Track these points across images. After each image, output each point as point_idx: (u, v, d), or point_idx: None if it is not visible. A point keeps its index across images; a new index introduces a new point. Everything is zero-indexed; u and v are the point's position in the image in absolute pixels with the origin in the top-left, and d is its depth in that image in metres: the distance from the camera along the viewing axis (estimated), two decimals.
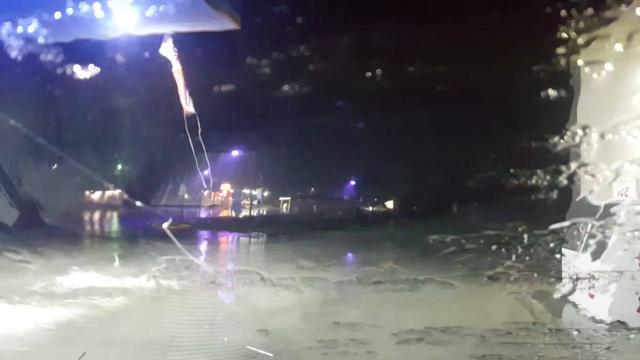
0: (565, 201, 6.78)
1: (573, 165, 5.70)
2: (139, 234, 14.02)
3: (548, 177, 6.39)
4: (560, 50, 7.32)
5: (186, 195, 23.12)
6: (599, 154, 5.50)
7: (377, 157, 19.77)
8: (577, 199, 6.54)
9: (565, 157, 5.99)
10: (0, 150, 12.68)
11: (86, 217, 20.87)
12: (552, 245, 6.93)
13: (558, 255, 7.05)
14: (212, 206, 26.73)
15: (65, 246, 11.54)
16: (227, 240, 17.68)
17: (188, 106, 9.01)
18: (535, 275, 7.01)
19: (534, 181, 6.80)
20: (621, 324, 5.52)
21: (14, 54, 7.47)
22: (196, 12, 7.38)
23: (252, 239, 17.32)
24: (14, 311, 6.35)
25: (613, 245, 5.94)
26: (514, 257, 7.02)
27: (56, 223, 14.73)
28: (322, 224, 19.54)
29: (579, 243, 6.66)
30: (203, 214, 25.80)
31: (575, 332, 5.63)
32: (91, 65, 9.00)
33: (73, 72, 8.88)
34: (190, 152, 9.30)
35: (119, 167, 21.70)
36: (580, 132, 5.65)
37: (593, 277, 6.18)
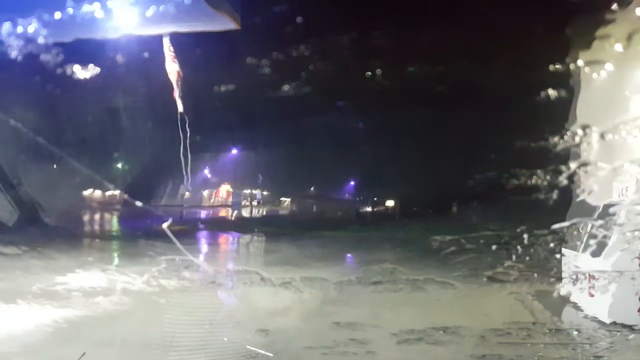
0: (565, 201, 6.78)
1: (573, 165, 5.70)
2: (139, 234, 14.01)
3: (548, 177, 6.40)
4: (561, 50, 7.33)
5: (186, 195, 23.09)
6: (599, 154, 5.51)
7: (377, 157, 19.76)
8: (577, 199, 6.54)
9: (565, 157, 6.00)
10: (0, 150, 12.69)
11: (86, 217, 20.86)
12: (552, 245, 6.94)
13: (558, 255, 7.05)
14: (212, 206, 26.73)
15: (65, 246, 11.53)
16: (227, 240, 17.68)
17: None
18: (535, 275, 7.02)
19: (534, 181, 6.81)
20: (621, 324, 5.53)
21: (14, 54, 7.47)
22: (196, 12, 7.38)
23: (252, 239, 17.32)
24: (14, 311, 6.35)
25: (613, 245, 5.94)
26: (514, 257, 7.04)
27: (56, 223, 14.73)
28: (322, 224, 19.54)
29: (579, 243, 6.67)
30: (203, 214, 25.80)
31: (575, 332, 5.63)
32: (91, 65, 9.00)
33: (73, 72, 8.88)
34: (191, 152, 9.29)
35: (119, 167, 21.70)
36: (580, 132, 5.66)
37: (593, 277, 6.18)
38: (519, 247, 7.04)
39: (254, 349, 4.88)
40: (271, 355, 4.79)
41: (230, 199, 26.86)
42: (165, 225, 7.23)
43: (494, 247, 7.55)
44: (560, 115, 7.73)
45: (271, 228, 18.40)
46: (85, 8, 6.87)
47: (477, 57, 11.42)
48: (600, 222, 5.98)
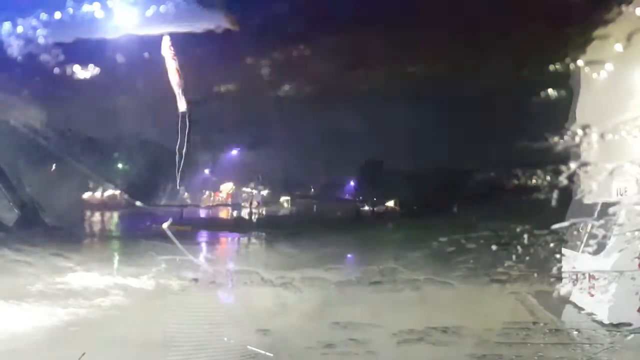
0: (565, 201, 6.78)
1: (573, 165, 5.70)
2: (139, 234, 14.02)
3: (548, 177, 6.39)
4: (560, 50, 7.33)
5: (186, 195, 23.08)
6: (599, 154, 5.51)
7: (377, 157, 19.76)
8: (577, 199, 6.54)
9: (565, 157, 5.99)
10: (0, 150, 12.68)
11: (86, 217, 20.86)
12: (552, 245, 6.93)
13: (558, 255, 7.05)
14: (212, 206, 26.71)
15: (65, 246, 11.53)
16: (227, 240, 17.68)
17: (181, 105, 9.00)
18: (535, 275, 7.02)
19: (534, 181, 6.80)
20: (621, 324, 5.53)
21: (14, 54, 7.47)
22: (195, 12, 7.39)
23: (252, 239, 17.32)
24: (14, 311, 6.34)
25: (613, 245, 5.95)
26: (514, 257, 7.03)
27: (56, 223, 14.72)
28: (322, 224, 19.54)
29: (579, 243, 6.66)
30: (203, 214, 25.78)
31: (575, 332, 5.63)
32: (91, 65, 9.00)
33: (73, 72, 8.88)
34: (192, 152, 9.29)
35: (119, 167, 21.68)
36: (580, 132, 5.65)
37: (593, 277, 6.18)
38: (519, 247, 7.03)
39: (254, 349, 4.88)
40: (271, 355, 4.79)
41: (230, 199, 26.85)
42: (165, 225, 7.24)
43: (494, 247, 7.54)
44: (560, 115, 7.72)
45: (271, 228, 18.40)
46: (85, 8, 6.87)
47: (478, 57, 11.42)
48: (600, 222, 5.97)
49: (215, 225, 21.80)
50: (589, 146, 5.53)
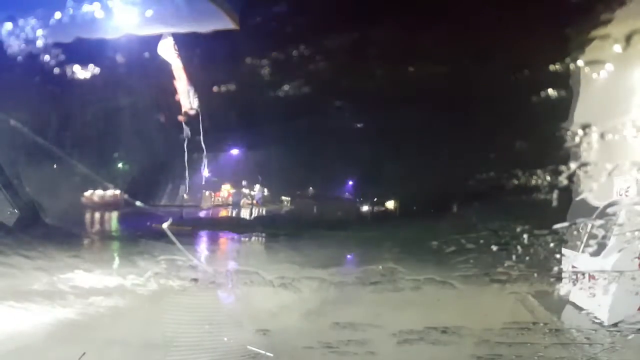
0: (565, 201, 6.78)
1: (573, 165, 5.70)
2: (139, 234, 14.01)
3: (548, 177, 6.39)
4: (561, 50, 7.33)
5: (186, 196, 23.08)
6: (599, 154, 5.51)
7: (377, 157, 19.74)
8: (577, 199, 6.54)
9: (565, 157, 6.00)
10: (0, 150, 12.68)
11: (86, 217, 20.84)
12: (552, 245, 6.94)
13: (558, 255, 7.05)
14: (212, 206, 26.71)
15: (65, 246, 11.53)
16: (227, 240, 17.67)
17: (191, 104, 9.01)
18: (535, 275, 7.02)
19: (534, 181, 6.80)
20: (621, 324, 5.52)
21: (14, 53, 7.47)
22: (195, 12, 7.38)
23: (252, 239, 17.32)
24: (14, 311, 6.34)
25: (613, 245, 5.95)
26: (514, 257, 7.03)
27: (56, 223, 14.72)
28: (322, 224, 19.53)
29: (579, 243, 6.67)
30: (203, 214, 25.78)
31: (575, 332, 5.63)
32: (91, 65, 9.00)
33: (73, 72, 8.88)
34: (191, 152, 9.30)
35: (119, 167, 21.66)
36: (580, 132, 5.66)
37: (593, 277, 6.18)
38: (519, 247, 7.04)
39: (254, 349, 4.88)
40: (271, 355, 4.79)
41: (230, 199, 26.85)
42: (165, 225, 7.24)
43: (494, 247, 7.54)
44: (560, 115, 7.72)
45: (271, 228, 18.40)
46: (85, 8, 6.87)
47: (477, 57, 11.41)
48: (600, 222, 5.98)
49: (215, 225, 21.81)
50: (589, 146, 5.54)
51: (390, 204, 23.90)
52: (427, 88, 13.44)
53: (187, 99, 9.05)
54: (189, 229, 16.48)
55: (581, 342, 5.34)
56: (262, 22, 10.24)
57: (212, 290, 7.64)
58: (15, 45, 7.34)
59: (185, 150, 9.22)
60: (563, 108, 7.86)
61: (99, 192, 22.05)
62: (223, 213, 26.34)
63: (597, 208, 6.25)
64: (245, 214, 25.80)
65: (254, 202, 26.76)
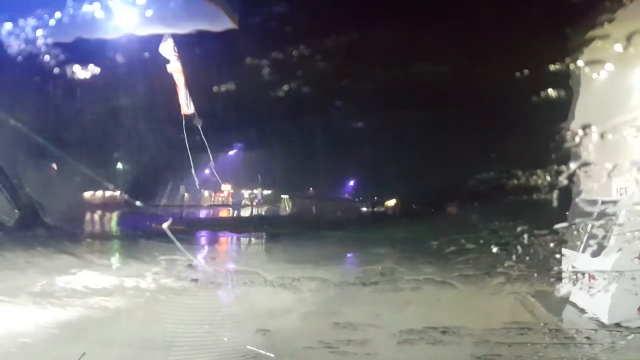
0: (565, 201, 6.78)
1: (573, 165, 5.70)
2: (139, 234, 14.02)
3: (548, 177, 6.40)
4: (560, 50, 7.33)
5: (186, 195, 23.10)
6: (599, 154, 5.51)
7: (377, 157, 19.75)
8: (577, 199, 6.54)
9: (565, 157, 5.99)
10: (0, 150, 12.67)
11: (86, 217, 20.85)
12: (552, 245, 6.94)
13: (558, 255, 7.05)
14: (212, 206, 26.73)
15: (65, 246, 11.53)
16: (227, 240, 17.68)
17: (188, 107, 9.02)
18: (535, 275, 7.02)
19: (534, 181, 6.81)
20: (621, 324, 5.52)
21: (14, 53, 7.47)
22: (195, 12, 7.38)
23: (252, 239, 17.32)
24: (14, 311, 6.34)
25: (613, 245, 5.94)
26: (514, 257, 7.03)
27: (56, 223, 14.72)
28: (322, 224, 19.53)
29: (579, 243, 6.67)
30: (203, 214, 25.80)
31: (575, 332, 5.62)
32: (91, 65, 9.01)
33: (73, 72, 8.88)
34: (192, 152, 9.30)
35: (119, 167, 21.67)
36: (580, 132, 5.66)
37: (593, 277, 6.18)
38: (519, 247, 7.04)
39: (254, 349, 4.88)
40: (272, 355, 4.79)
41: (230, 199, 26.87)
42: (165, 225, 7.24)
43: (494, 247, 7.54)
44: (560, 115, 7.72)
45: (271, 228, 18.40)
46: (85, 8, 6.87)
47: (477, 57, 11.42)
48: (600, 222, 5.98)
49: (215, 225, 21.81)
50: (589, 146, 5.53)
51: (390, 204, 23.91)
52: (427, 88, 13.45)
53: (187, 99, 9.05)
54: (189, 229, 16.47)
55: (581, 342, 5.33)
56: (262, 22, 10.24)
57: (212, 290, 7.64)
58: (15, 45, 7.34)
59: (186, 150, 9.21)
60: (563, 108, 7.86)
61: (99, 192, 22.07)
62: (223, 213, 26.37)
63: (596, 208, 6.24)
64: (245, 214, 25.81)
65: (254, 202, 26.77)
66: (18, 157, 13.97)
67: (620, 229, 5.82)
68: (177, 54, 8.64)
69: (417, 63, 12.08)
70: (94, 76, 9.27)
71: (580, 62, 7.06)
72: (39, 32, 7.16)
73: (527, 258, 6.95)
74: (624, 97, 6.71)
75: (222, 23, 7.61)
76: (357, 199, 24.99)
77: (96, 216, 21.74)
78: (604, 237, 5.98)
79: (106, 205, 22.24)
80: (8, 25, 7.10)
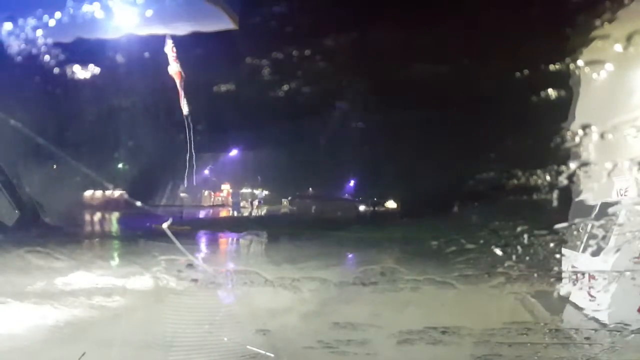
0: (565, 201, 6.78)
1: (573, 165, 5.70)
2: (139, 234, 14.01)
3: (548, 177, 6.39)
4: (560, 50, 7.32)
5: (186, 196, 23.12)
6: (599, 154, 5.51)
7: (377, 157, 19.76)
8: (577, 199, 6.54)
9: (565, 157, 5.99)
10: (0, 150, 12.67)
11: (86, 217, 20.86)
12: (552, 245, 6.93)
13: (558, 255, 7.05)
14: (212, 206, 26.74)
15: (66, 246, 11.52)
16: (227, 240, 17.68)
17: (183, 108, 9.05)
18: (535, 275, 7.01)
19: (534, 181, 6.80)
20: (621, 324, 5.52)
21: (14, 53, 7.47)
22: (195, 12, 7.38)
23: (252, 239, 17.31)
24: (14, 311, 6.34)
25: (613, 245, 5.94)
26: (514, 257, 7.03)
27: (56, 223, 14.72)
28: (322, 224, 19.54)
29: (579, 243, 6.67)
30: (203, 214, 25.80)
31: (575, 332, 5.62)
32: (91, 65, 9.01)
33: (73, 72, 8.88)
34: (192, 152, 9.31)
35: (119, 167, 21.68)
36: (580, 132, 5.65)
37: (593, 277, 6.18)
38: (519, 247, 7.04)
39: (254, 349, 4.88)
40: (271, 355, 4.80)
41: (230, 199, 26.87)
42: (165, 225, 7.24)
43: (493, 247, 7.54)
44: (560, 115, 7.72)
45: (271, 228, 18.40)
46: (85, 8, 6.87)
47: (478, 57, 11.41)
48: (600, 222, 5.98)
49: (215, 225, 21.81)
50: (589, 146, 5.53)
51: (390, 204, 23.92)
52: (427, 88, 13.45)
53: (187, 99, 9.06)
54: (189, 228, 16.47)
55: (581, 342, 5.33)
56: (262, 22, 10.23)
57: (212, 290, 7.63)
58: (15, 45, 7.34)
59: (186, 150, 9.23)
60: (563, 108, 7.86)
61: (99, 192, 22.07)
62: (223, 213, 26.37)
63: (596, 208, 6.24)
64: (245, 214, 25.81)
65: (254, 202, 26.77)
66: (18, 157, 13.97)
67: (620, 229, 5.82)
68: (175, 55, 8.65)
69: (417, 63, 12.08)
70: (94, 76, 9.27)
71: (580, 62, 7.05)
72: (39, 32, 7.16)
73: (527, 258, 6.95)
74: (624, 97, 6.70)
75: (222, 23, 7.61)
76: (357, 199, 24.98)
77: (96, 216, 21.74)
78: (604, 237, 5.98)
79: (106, 205, 22.24)
80: (8, 25, 7.10)
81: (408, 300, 7.00)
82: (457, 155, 16.79)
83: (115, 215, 21.71)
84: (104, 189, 20.94)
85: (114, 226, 21.20)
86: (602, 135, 5.44)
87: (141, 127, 16.13)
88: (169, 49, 8.55)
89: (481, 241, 8.11)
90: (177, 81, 8.90)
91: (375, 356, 4.92)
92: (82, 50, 8.40)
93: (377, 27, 11.57)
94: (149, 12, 7.20)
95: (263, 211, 26.49)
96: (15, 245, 10.35)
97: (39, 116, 13.26)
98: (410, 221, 18.93)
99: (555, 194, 6.14)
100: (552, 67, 7.32)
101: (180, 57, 8.84)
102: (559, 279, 6.98)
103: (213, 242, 16.83)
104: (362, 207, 24.80)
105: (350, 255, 12.78)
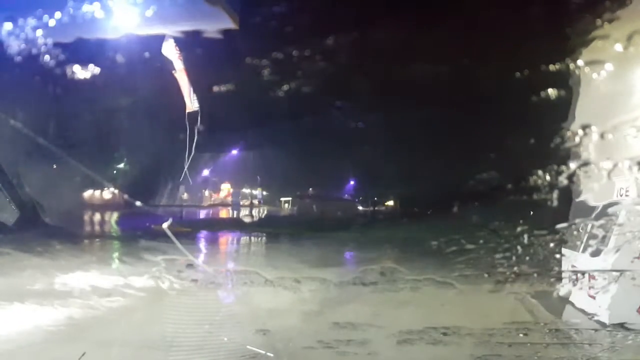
0: (565, 201, 6.78)
1: (573, 165, 5.70)
2: (139, 234, 14.01)
3: (548, 177, 6.39)
4: (560, 50, 7.32)
5: (186, 196, 23.11)
6: (599, 154, 5.51)
7: (377, 157, 19.75)
8: (577, 199, 6.54)
9: (565, 157, 5.99)
10: (0, 150, 12.68)
11: (86, 217, 20.86)
12: (552, 245, 6.93)
13: (558, 255, 7.05)
14: (212, 206, 26.73)
15: (65, 246, 11.53)
16: (227, 240, 17.67)
17: (192, 104, 9.03)
18: (535, 275, 7.02)
19: (534, 181, 6.80)
20: (621, 324, 5.52)
21: (14, 53, 7.47)
22: (195, 12, 7.39)
23: (252, 239, 17.32)
24: (14, 311, 6.35)
25: (613, 246, 5.94)
26: (514, 257, 7.03)
27: (56, 223, 14.72)
28: (322, 224, 19.54)
29: (579, 243, 6.66)
30: (203, 214, 25.79)
31: (575, 332, 5.62)
32: (91, 65, 9.01)
33: (73, 72, 8.89)
34: (192, 152, 9.31)
35: (119, 167, 21.69)
36: (580, 132, 5.66)
37: (593, 277, 6.18)
38: (519, 247, 7.04)
39: (254, 349, 4.88)
40: (271, 355, 4.80)
41: (230, 199, 26.85)
42: (165, 225, 7.24)
43: (494, 247, 7.54)
44: (560, 115, 7.72)
45: (271, 228, 18.41)
46: (85, 8, 6.88)
47: (477, 57, 11.42)
48: (600, 222, 5.98)
49: (215, 225, 21.79)
50: (589, 146, 5.54)
51: (390, 204, 23.93)
52: (427, 88, 13.45)
53: (187, 99, 9.06)
54: (189, 229, 16.47)
55: (581, 342, 5.33)
56: (262, 22, 10.24)
57: (212, 290, 7.63)
58: (15, 45, 7.35)
59: (186, 150, 9.22)
60: (563, 108, 7.85)
61: (99, 192, 22.08)
62: (223, 213, 26.36)
63: (596, 208, 6.24)
64: (245, 213, 25.80)
65: (254, 202, 26.76)
66: (18, 157, 13.97)
67: (620, 229, 5.82)
68: (179, 52, 8.65)
69: (417, 63, 12.08)
70: (94, 76, 9.27)
71: (580, 62, 7.05)
72: (39, 32, 7.17)
73: (527, 258, 6.95)
74: (624, 97, 6.70)
75: (223, 23, 7.62)
76: (357, 199, 24.98)
77: (96, 216, 21.74)
78: (604, 237, 5.98)
79: (106, 205, 22.24)
80: (8, 25, 7.10)
81: (408, 300, 7.00)
82: (457, 155, 16.79)
83: (115, 215, 21.71)
84: (104, 189, 20.96)
85: (114, 226, 21.19)
86: (602, 135, 5.45)
87: (141, 127, 16.14)
88: (173, 48, 8.56)
89: (481, 241, 8.11)
90: (184, 78, 8.89)
91: (376, 356, 4.92)
92: (82, 50, 8.41)
93: (377, 27, 11.58)
94: (149, 12, 7.21)
95: (263, 211, 26.50)
96: (15, 245, 10.36)
97: (39, 116, 13.28)
98: (410, 221, 18.93)
99: (555, 194, 6.14)
100: (552, 67, 7.32)
101: (181, 57, 8.85)
102: (559, 279, 6.98)
103: (213, 242, 16.83)
104: (362, 207, 24.79)
105: (350, 255, 12.78)
